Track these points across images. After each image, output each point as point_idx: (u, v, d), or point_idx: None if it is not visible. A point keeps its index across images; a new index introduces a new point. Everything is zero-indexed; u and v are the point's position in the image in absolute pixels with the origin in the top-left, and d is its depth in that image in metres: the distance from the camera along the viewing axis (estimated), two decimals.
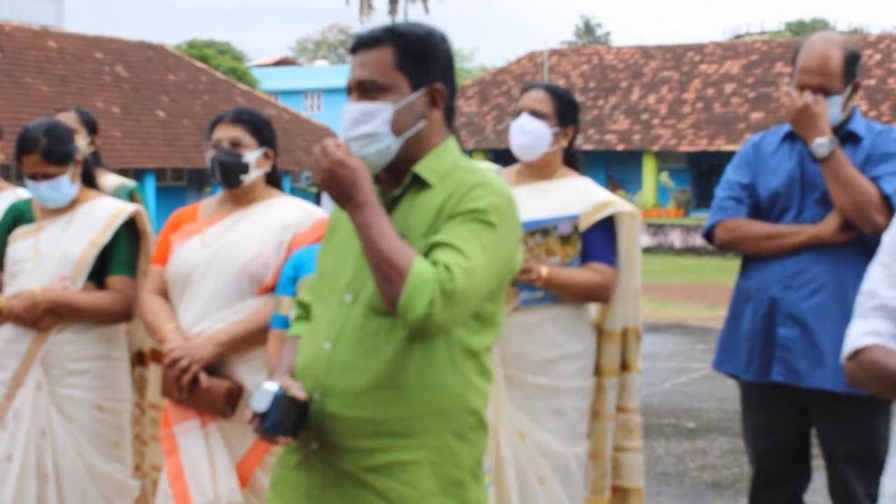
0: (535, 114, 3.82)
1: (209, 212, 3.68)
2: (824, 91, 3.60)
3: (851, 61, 3.63)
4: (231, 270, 3.49)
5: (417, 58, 2.39)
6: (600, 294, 3.80)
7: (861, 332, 2.54)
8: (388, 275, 2.19)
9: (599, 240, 3.81)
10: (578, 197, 3.83)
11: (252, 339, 3.41)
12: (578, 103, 4.00)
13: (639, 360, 3.98)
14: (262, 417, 2.29)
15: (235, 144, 3.55)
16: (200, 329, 3.48)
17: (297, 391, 2.32)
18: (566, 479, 3.77)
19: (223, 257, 3.51)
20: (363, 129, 2.35)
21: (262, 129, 3.60)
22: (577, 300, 3.80)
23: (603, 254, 3.80)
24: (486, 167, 2.48)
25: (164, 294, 3.64)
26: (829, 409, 3.60)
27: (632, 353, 3.94)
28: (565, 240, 3.73)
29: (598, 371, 3.89)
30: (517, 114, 3.87)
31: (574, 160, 4.01)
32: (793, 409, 3.71)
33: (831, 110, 3.61)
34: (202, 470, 3.40)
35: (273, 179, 3.72)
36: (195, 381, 3.40)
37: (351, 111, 2.38)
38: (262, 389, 2.29)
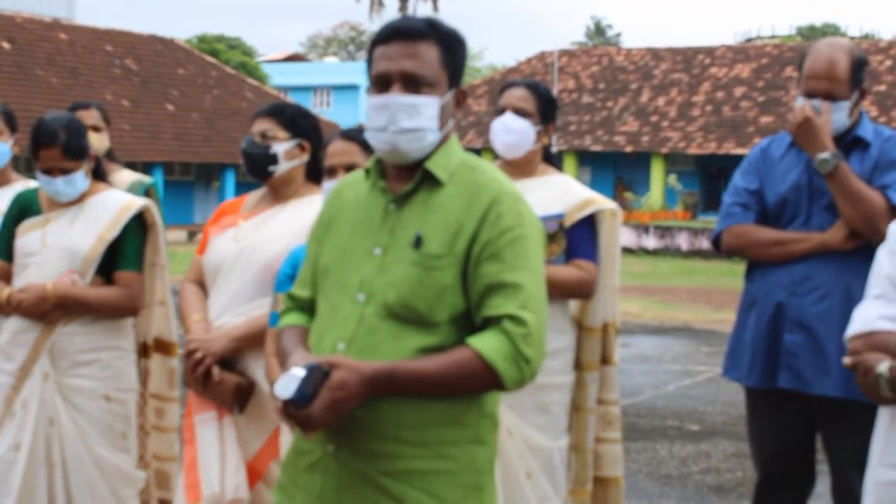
0: (518, 112, 3.86)
1: (250, 205, 3.71)
2: (831, 97, 3.59)
3: (858, 67, 3.62)
4: (256, 266, 3.51)
5: (455, 58, 2.39)
6: (585, 290, 3.83)
7: (878, 315, 2.57)
8: (475, 381, 2.25)
9: (583, 237, 3.85)
10: (561, 195, 3.88)
11: None
12: (557, 100, 4.03)
13: (617, 354, 4.05)
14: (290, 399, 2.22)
15: (265, 136, 3.56)
16: (222, 322, 3.52)
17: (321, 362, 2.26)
18: (551, 473, 3.83)
19: (250, 253, 3.53)
20: (411, 123, 2.32)
21: (295, 120, 3.60)
22: (563, 297, 3.84)
23: (587, 251, 3.84)
24: (487, 163, 2.48)
25: (203, 283, 3.68)
26: (834, 415, 3.60)
27: (611, 347, 4.00)
28: (551, 238, 3.77)
29: (578, 366, 3.95)
30: (500, 112, 3.89)
31: (551, 157, 4.05)
32: (798, 415, 3.70)
33: (838, 115, 3.60)
34: (212, 462, 3.43)
35: (317, 174, 3.67)
36: (209, 373, 3.43)
37: (399, 102, 2.33)
38: (290, 375, 2.22)
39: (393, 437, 2.29)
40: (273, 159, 3.56)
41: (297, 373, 2.21)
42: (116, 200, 3.93)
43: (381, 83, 2.37)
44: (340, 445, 2.33)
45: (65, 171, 3.77)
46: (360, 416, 2.27)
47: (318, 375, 2.21)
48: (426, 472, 2.30)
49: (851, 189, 3.52)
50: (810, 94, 3.62)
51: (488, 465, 2.39)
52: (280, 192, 3.64)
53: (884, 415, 2.63)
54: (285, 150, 3.57)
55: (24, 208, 3.94)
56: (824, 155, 3.54)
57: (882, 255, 2.69)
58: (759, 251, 3.72)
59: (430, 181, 2.37)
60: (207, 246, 3.67)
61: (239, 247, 3.56)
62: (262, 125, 3.58)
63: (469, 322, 2.31)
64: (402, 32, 2.35)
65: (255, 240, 3.55)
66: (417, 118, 2.33)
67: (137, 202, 3.93)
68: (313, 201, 3.61)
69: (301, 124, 3.60)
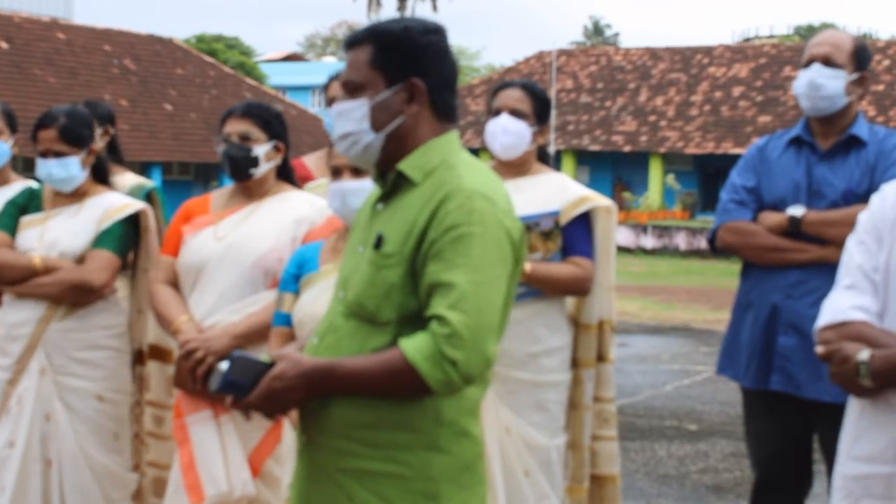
0: (514, 113, 3.86)
1: (221, 204, 3.70)
2: (830, 62, 3.61)
3: (861, 49, 3.68)
4: (245, 264, 3.52)
5: (394, 54, 2.36)
6: (582, 287, 3.84)
7: (851, 305, 2.55)
8: (401, 381, 2.23)
9: (579, 234, 3.86)
10: (556, 192, 3.89)
11: (267, 332, 3.41)
12: (550, 100, 4.04)
13: (613, 351, 4.06)
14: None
15: (245, 138, 3.58)
16: (213, 321, 3.51)
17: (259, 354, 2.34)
18: (549, 471, 3.84)
19: (237, 250, 3.53)
20: (343, 129, 2.40)
21: (271, 123, 3.62)
22: (560, 294, 3.85)
23: (583, 248, 3.85)
24: (477, 162, 2.46)
25: (175, 284, 3.66)
26: (831, 417, 3.59)
27: (607, 344, 4.01)
28: (546, 235, 3.77)
29: (575, 363, 3.95)
30: (495, 113, 3.90)
31: (545, 155, 4.06)
32: (795, 416, 3.70)
33: (834, 83, 3.61)
34: (215, 461, 3.43)
35: (285, 174, 3.73)
36: (209, 372, 3.41)
37: (333, 111, 2.44)
38: (216, 368, 2.32)
39: (345, 435, 2.31)
40: (254, 162, 3.58)
41: (222, 366, 2.29)
42: (114, 201, 3.94)
43: None
44: (310, 438, 2.38)
45: (59, 154, 3.80)
46: (318, 410, 2.32)
47: (242, 364, 2.28)
48: (376, 473, 2.30)
49: (831, 219, 3.54)
50: (809, 62, 3.64)
51: (447, 474, 2.32)
52: (254, 191, 3.67)
53: (853, 408, 2.60)
54: (265, 153, 3.60)
55: (29, 202, 3.98)
56: (792, 211, 3.62)
57: (852, 245, 2.66)
58: (755, 254, 3.72)
59: (406, 182, 2.37)
60: (183, 246, 3.64)
61: (223, 245, 3.55)
62: (240, 126, 3.59)
63: (422, 323, 2.27)
64: (346, 43, 2.44)
65: (240, 237, 3.56)
66: (347, 123, 2.39)
67: (134, 205, 3.95)
68: (290, 198, 3.67)
69: (276, 126, 3.64)
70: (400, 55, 2.37)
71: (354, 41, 2.41)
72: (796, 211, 3.62)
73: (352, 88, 2.40)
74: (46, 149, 3.82)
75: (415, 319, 2.28)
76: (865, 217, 2.67)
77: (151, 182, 5.16)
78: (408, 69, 2.36)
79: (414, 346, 2.21)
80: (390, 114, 2.37)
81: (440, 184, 2.31)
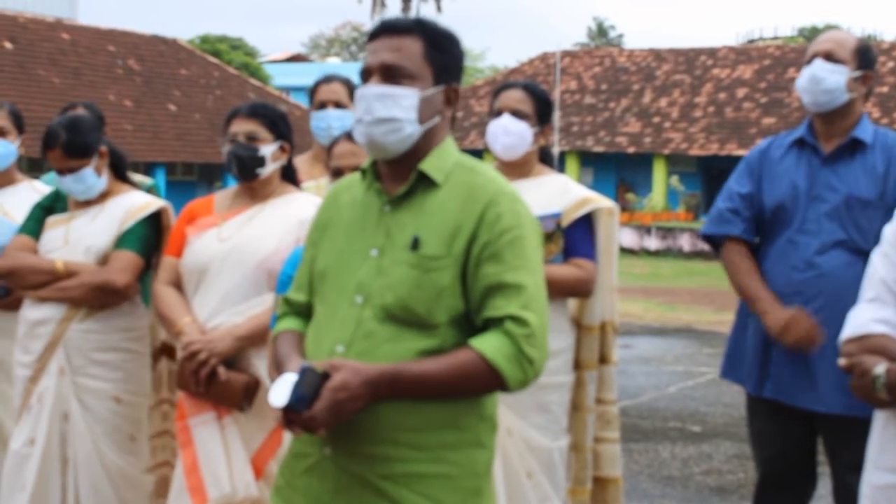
0: (516, 114, 3.87)
1: (225, 205, 3.69)
2: (831, 57, 3.61)
3: (865, 48, 3.69)
4: (248, 265, 3.51)
5: (442, 54, 2.40)
6: (584, 289, 3.84)
7: (872, 318, 2.56)
8: (478, 382, 2.26)
9: (581, 236, 3.86)
10: (558, 194, 3.89)
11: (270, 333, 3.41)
12: (552, 101, 4.05)
13: (615, 353, 4.05)
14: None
15: (251, 138, 3.57)
16: (216, 323, 3.50)
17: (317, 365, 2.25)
18: (551, 473, 3.84)
19: (240, 252, 3.52)
20: (386, 113, 2.33)
21: (277, 123, 3.63)
22: (562, 296, 3.84)
23: (585, 249, 3.85)
24: (484, 164, 2.48)
25: (178, 285, 3.66)
26: (833, 421, 3.59)
27: (609, 346, 4.01)
28: (548, 237, 3.77)
29: (577, 365, 3.96)
30: (497, 114, 3.90)
31: (548, 157, 4.05)
32: (798, 419, 3.69)
33: (834, 77, 3.61)
34: (218, 463, 3.42)
35: (289, 174, 3.73)
36: (213, 374, 3.42)
37: (373, 92, 2.34)
38: (282, 382, 2.23)
39: (391, 440, 2.28)
40: (261, 162, 3.58)
41: (289, 378, 2.22)
42: (136, 200, 3.96)
43: (364, 77, 2.40)
44: (338, 448, 2.32)
45: (71, 170, 3.82)
46: (358, 418, 2.26)
47: (311, 377, 2.20)
48: (424, 475, 2.29)
49: None
50: (812, 58, 3.65)
51: (487, 468, 2.39)
52: (258, 192, 3.66)
53: (879, 418, 2.61)
54: (271, 153, 3.60)
55: (56, 203, 4.02)
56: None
57: (876, 259, 2.67)
58: (734, 283, 3.75)
59: (425, 182, 2.37)
60: (187, 247, 3.63)
61: (226, 246, 3.54)
62: (247, 126, 3.59)
63: (468, 324, 2.31)
64: (388, 28, 2.39)
65: (243, 238, 3.55)
66: (393, 108, 2.33)
67: (156, 203, 3.96)
68: (294, 199, 3.66)
69: (281, 126, 3.65)
70: (448, 57, 2.41)
71: (401, 29, 2.37)
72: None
73: (399, 75, 2.34)
74: (59, 167, 3.85)
75: (462, 321, 2.31)
76: (891, 230, 2.67)
77: (149, 180, 5.18)
78: (450, 73, 2.41)
79: (493, 347, 2.24)
80: (432, 111, 2.39)
81: (473, 186, 2.34)
